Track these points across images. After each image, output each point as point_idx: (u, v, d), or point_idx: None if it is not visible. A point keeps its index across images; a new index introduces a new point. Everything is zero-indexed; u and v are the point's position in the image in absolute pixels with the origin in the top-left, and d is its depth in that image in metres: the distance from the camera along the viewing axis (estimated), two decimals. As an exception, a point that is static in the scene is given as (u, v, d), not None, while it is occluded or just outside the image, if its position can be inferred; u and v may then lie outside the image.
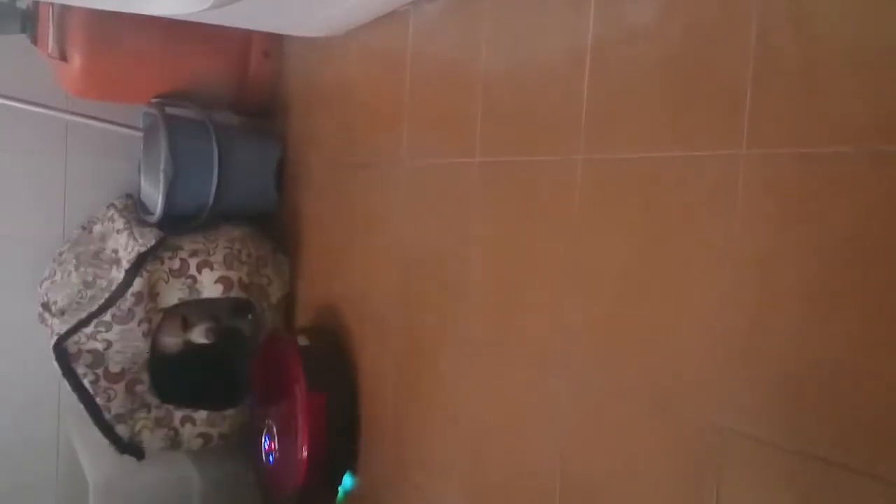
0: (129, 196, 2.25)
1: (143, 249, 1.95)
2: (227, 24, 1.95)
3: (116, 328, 1.93)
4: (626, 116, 1.13)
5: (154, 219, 2.11)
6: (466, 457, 1.45)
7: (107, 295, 1.93)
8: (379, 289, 1.77)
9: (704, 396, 0.99)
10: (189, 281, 2.02)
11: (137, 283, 1.93)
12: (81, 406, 1.95)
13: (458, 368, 1.48)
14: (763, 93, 0.93)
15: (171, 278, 2.00)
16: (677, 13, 1.05)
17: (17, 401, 2.40)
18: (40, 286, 2.14)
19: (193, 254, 2.04)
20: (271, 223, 2.27)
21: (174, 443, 2.06)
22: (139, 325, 1.95)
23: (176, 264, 2.01)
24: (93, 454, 2.10)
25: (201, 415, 2.07)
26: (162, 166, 2.07)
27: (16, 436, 2.41)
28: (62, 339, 1.91)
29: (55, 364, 1.92)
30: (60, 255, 2.16)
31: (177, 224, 2.12)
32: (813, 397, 0.86)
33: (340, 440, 1.81)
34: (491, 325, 1.40)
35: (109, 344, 1.94)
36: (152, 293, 1.97)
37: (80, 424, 2.28)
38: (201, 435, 2.08)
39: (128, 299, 1.93)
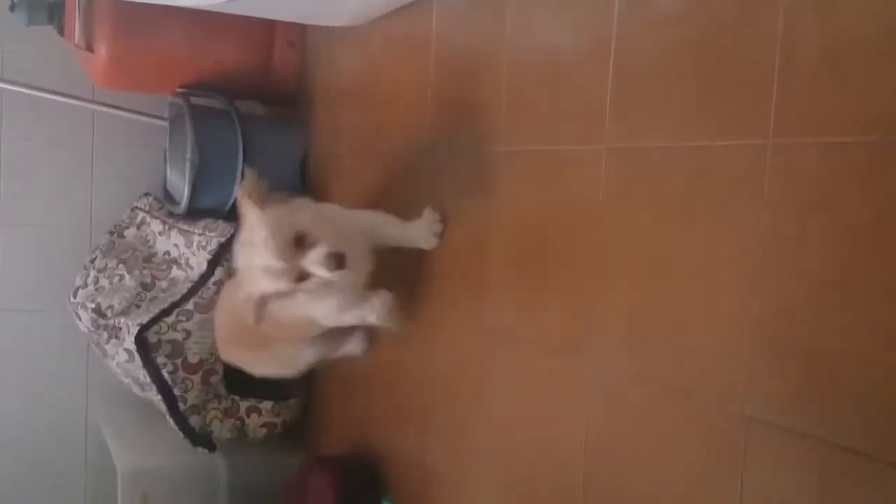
0: (147, 195, 2.28)
1: (222, 240, 2.01)
2: (251, 14, 1.96)
3: (197, 317, 1.99)
4: (650, 105, 1.13)
5: (180, 209, 2.13)
6: (492, 441, 1.46)
7: (189, 285, 2.00)
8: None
9: (730, 384, 0.99)
10: None
11: (218, 273, 2.00)
12: (159, 397, 1.97)
13: (484, 354, 1.49)
14: (789, 82, 0.92)
15: None
16: (703, 1, 1.04)
17: (46, 389, 2.43)
18: (74, 296, 2.14)
19: None
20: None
21: (240, 433, 2.10)
22: None
23: None
24: (121, 442, 2.13)
25: (266, 405, 2.11)
26: (188, 155, 2.09)
27: (44, 424, 2.44)
28: (144, 328, 1.95)
29: (136, 354, 1.95)
30: (93, 262, 2.18)
31: (205, 214, 2.14)
32: (839, 386, 0.86)
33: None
34: (516, 312, 1.41)
35: (188, 334, 1.98)
36: None
37: (108, 412, 2.31)
38: (266, 424, 2.11)
39: (210, 288, 2.00)
